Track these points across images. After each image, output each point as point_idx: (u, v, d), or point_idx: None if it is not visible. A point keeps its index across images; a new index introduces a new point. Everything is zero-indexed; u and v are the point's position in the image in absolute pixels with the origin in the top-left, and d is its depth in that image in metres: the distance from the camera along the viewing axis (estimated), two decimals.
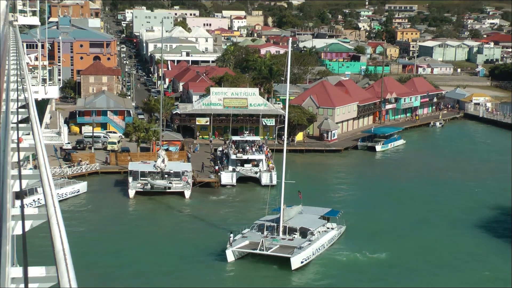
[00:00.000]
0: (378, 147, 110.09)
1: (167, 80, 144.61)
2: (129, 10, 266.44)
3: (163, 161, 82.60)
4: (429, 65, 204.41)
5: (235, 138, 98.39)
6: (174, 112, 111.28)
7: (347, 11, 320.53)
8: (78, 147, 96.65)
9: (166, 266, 59.58)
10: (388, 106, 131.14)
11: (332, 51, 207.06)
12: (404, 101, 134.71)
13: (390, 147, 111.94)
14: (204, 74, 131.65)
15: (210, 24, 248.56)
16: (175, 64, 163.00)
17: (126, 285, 54.94)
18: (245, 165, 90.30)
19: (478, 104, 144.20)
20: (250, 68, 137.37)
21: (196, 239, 66.43)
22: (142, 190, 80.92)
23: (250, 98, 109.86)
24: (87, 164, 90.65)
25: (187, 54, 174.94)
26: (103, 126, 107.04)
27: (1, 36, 9.91)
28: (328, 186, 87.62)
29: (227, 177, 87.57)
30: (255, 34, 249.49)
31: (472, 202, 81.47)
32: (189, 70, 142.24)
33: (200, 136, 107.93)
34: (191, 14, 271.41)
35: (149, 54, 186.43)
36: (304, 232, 64.37)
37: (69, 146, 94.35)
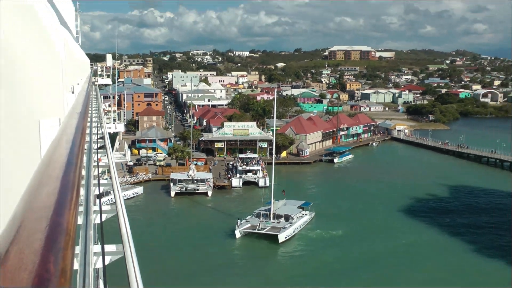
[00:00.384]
0: (336, 160, 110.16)
1: (195, 117, 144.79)
2: (170, 73, 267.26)
3: (193, 171, 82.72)
4: (367, 105, 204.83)
5: (241, 155, 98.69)
6: (200, 139, 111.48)
7: (313, 71, 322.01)
8: (137, 164, 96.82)
9: (195, 240, 59.63)
10: (342, 133, 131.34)
11: (304, 97, 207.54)
12: (352, 129, 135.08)
13: (343, 160, 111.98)
14: (219, 113, 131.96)
15: (223, 81, 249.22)
16: (200, 107, 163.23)
17: (168, 253, 54.85)
18: (248, 173, 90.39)
19: (400, 130, 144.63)
20: (250, 109, 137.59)
21: (215, 223, 66.37)
22: (179, 191, 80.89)
23: (251, 129, 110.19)
24: (143, 175, 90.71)
25: (208, 100, 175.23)
26: (153, 149, 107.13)
27: (87, 91, 10.07)
28: (303, 186, 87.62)
29: (236, 182, 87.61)
30: (253, 87, 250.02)
31: (397, 194, 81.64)
32: (210, 111, 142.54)
33: (218, 155, 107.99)
34: (211, 74, 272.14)
35: (183, 101, 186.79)
36: (287, 217, 64.40)
37: (131, 163, 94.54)
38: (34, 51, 5.05)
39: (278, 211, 65.34)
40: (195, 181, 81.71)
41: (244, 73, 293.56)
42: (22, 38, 5.04)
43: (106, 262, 3.32)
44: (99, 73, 34.18)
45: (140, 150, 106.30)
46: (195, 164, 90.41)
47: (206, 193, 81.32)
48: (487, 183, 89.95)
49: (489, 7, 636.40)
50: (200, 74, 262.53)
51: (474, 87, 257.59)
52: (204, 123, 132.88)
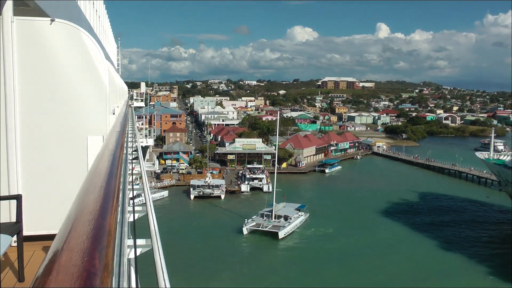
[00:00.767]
0: (327, 170, 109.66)
1: (211, 134, 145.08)
2: (192, 98, 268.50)
3: (209, 178, 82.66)
4: (353, 126, 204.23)
5: (248, 166, 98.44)
6: (215, 152, 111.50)
7: (309, 97, 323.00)
8: (164, 172, 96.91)
9: (210, 234, 59.43)
10: (332, 148, 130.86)
11: (301, 118, 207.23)
12: (340, 145, 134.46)
13: (333, 170, 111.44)
14: (231, 131, 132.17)
15: (235, 104, 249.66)
16: (216, 125, 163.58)
17: (188, 244, 54.57)
18: (254, 180, 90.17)
19: (379, 146, 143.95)
20: (257, 128, 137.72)
21: (227, 221, 66.12)
22: (197, 195, 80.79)
23: (257, 144, 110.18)
24: (168, 181, 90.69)
25: (223, 120, 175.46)
26: (177, 160, 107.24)
27: (125, 113, 10.15)
28: (299, 192, 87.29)
29: (244, 187, 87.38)
30: (260, 109, 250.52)
31: (377, 198, 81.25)
32: (223, 129, 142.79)
33: (230, 165, 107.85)
34: (225, 99, 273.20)
35: (202, 120, 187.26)
36: (286, 217, 64.00)
37: (159, 171, 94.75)
38: (85, 80, 5.16)
39: (278, 212, 64.98)
40: (211, 187, 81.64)
41: (252, 98, 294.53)
42: (76, 70, 5.14)
43: (137, 254, 3.33)
44: (134, 97, 34.46)
45: (166, 161, 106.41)
46: (211, 173, 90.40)
47: (219, 197, 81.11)
48: (448, 190, 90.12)
49: (448, 47, 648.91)
50: (216, 99, 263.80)
51: (438, 111, 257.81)
52: (219, 139, 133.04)
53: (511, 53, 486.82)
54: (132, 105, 31.31)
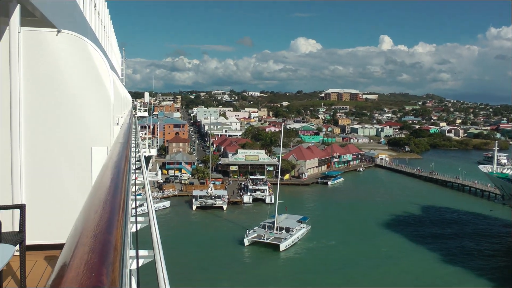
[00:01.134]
0: (330, 182, 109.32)
1: (214, 145, 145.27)
2: (195, 108, 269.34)
3: (211, 189, 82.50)
4: (356, 138, 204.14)
5: (251, 177, 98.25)
6: (218, 163, 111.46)
7: (312, 109, 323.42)
8: (166, 182, 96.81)
9: (211, 245, 59.10)
10: (335, 160, 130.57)
11: (304, 130, 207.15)
12: (343, 157, 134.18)
13: (336, 182, 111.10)
14: (234, 142, 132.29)
15: (238, 115, 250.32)
16: (219, 136, 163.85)
17: (189, 255, 54.28)
18: (257, 192, 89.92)
19: (382, 159, 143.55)
20: (260, 139, 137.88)
21: (228, 232, 65.79)
22: (200, 205, 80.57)
23: (260, 155, 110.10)
24: (171, 191, 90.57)
25: (226, 131, 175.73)
26: (180, 170, 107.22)
27: (129, 123, 10.22)
28: (302, 203, 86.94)
29: (247, 198, 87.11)
30: (263, 121, 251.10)
31: (380, 210, 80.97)
32: (226, 140, 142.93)
33: (232, 176, 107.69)
34: (228, 110, 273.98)
35: (205, 131, 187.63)
36: (288, 229, 63.63)
37: (161, 181, 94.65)
38: (91, 91, 5.20)
39: (280, 223, 64.61)
40: (213, 197, 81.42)
41: (255, 109, 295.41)
42: (82, 81, 5.19)
43: (139, 264, 3.31)
44: (138, 107, 34.64)
45: (169, 171, 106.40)
46: (214, 183, 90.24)
47: (222, 207, 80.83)
48: (451, 203, 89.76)
49: (451, 60, 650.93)
50: (220, 110, 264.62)
51: (441, 124, 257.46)
52: (222, 149, 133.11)
53: None
54: (135, 115, 31.49)
